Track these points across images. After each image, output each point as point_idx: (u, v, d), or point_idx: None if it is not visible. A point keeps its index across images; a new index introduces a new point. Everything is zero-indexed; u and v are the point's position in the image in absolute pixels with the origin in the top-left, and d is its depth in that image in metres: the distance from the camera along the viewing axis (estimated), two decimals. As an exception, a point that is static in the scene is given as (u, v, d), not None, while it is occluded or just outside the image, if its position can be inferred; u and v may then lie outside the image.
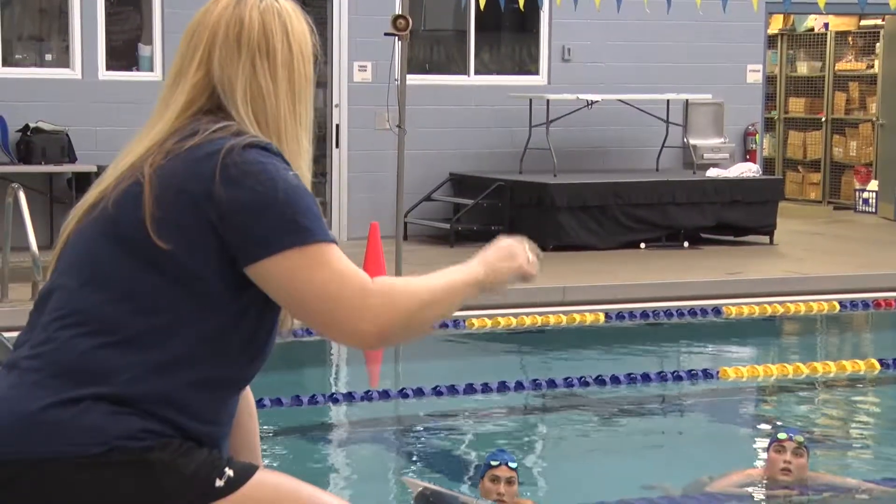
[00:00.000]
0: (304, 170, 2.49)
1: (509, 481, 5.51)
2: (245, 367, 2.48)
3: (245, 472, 2.40)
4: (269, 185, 2.36)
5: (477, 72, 14.51)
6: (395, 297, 2.39)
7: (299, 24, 2.51)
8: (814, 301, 10.71)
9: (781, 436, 6.16)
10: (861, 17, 17.95)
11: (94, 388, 2.34)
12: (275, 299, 2.40)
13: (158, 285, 2.37)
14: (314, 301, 2.36)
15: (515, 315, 10.01)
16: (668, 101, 14.33)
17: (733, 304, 10.54)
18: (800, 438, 6.15)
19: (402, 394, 7.88)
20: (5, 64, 12.89)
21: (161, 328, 2.37)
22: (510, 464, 5.53)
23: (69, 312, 2.40)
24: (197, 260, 2.37)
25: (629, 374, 8.27)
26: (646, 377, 8.28)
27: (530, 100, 13.99)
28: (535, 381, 8.17)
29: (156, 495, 2.34)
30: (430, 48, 14.75)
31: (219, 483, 2.36)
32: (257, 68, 2.48)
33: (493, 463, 5.55)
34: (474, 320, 9.86)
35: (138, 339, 2.37)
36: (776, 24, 18.65)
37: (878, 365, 8.78)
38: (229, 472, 2.38)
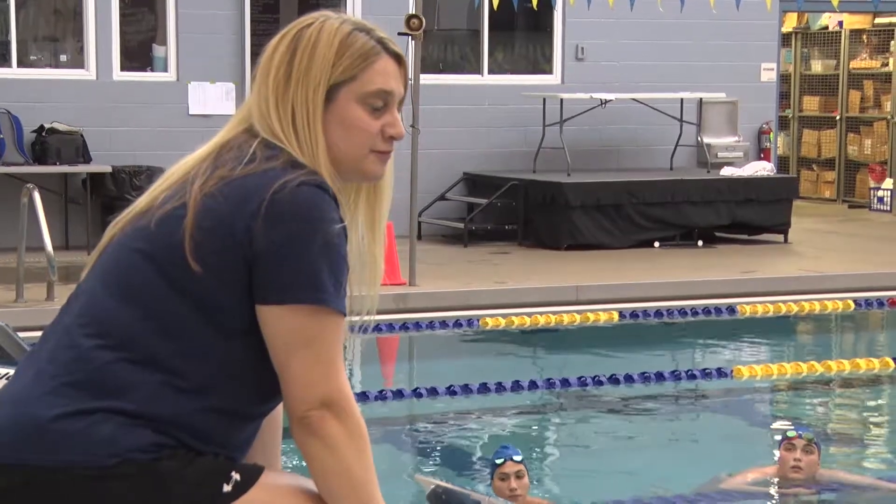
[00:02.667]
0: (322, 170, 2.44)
1: (518, 475, 5.51)
2: (260, 404, 2.48)
3: (252, 475, 2.40)
4: (308, 231, 2.33)
5: (490, 71, 14.52)
6: (351, 428, 2.37)
7: (316, 46, 2.44)
8: (828, 299, 10.69)
9: (791, 434, 6.16)
10: (875, 14, 17.91)
11: (107, 402, 2.34)
12: (265, 338, 2.37)
13: (184, 311, 2.36)
14: (292, 366, 2.35)
15: (529, 314, 10.02)
16: (681, 99, 14.32)
17: (747, 303, 10.53)
18: (809, 436, 6.15)
19: (416, 393, 7.89)
20: (20, 65, 12.93)
21: (181, 353, 2.36)
22: (515, 457, 5.53)
23: (94, 322, 2.40)
24: (225, 291, 2.36)
25: (643, 373, 8.27)
26: (660, 376, 8.28)
27: (544, 99, 13.99)
28: (548, 380, 8.18)
29: None
30: (444, 48, 14.76)
31: (226, 488, 2.36)
32: (259, 87, 2.48)
33: (498, 461, 5.55)
34: (488, 319, 9.87)
35: (157, 360, 2.36)
36: (790, 23, 18.62)
37: (892, 363, 8.76)
38: (236, 476, 2.38)
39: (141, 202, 2.48)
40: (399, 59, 2.52)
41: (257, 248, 2.34)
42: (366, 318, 2.57)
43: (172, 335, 2.36)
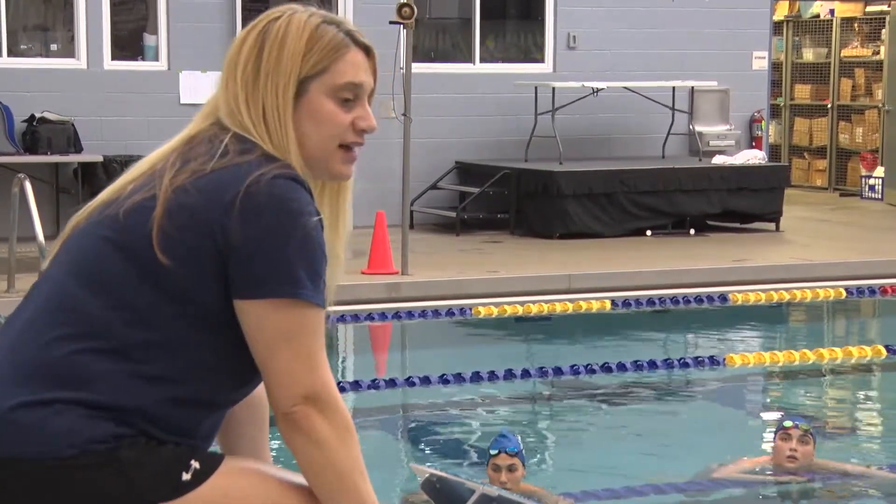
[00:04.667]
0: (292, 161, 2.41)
1: (510, 468, 5.53)
2: (231, 392, 2.47)
3: (212, 463, 2.38)
4: (286, 223, 2.31)
5: (482, 60, 14.50)
6: (336, 422, 2.36)
7: (284, 40, 2.42)
8: (820, 288, 10.70)
9: (787, 423, 6.16)
10: (867, 3, 17.91)
11: (70, 393, 2.32)
12: (245, 333, 2.36)
13: (155, 301, 2.34)
14: (273, 361, 2.34)
15: (522, 303, 10.02)
16: (673, 88, 14.32)
17: (739, 291, 10.54)
18: (805, 426, 6.15)
19: (409, 382, 7.88)
20: (10, 54, 12.89)
21: (150, 343, 2.34)
22: (509, 450, 5.54)
23: (59, 310, 2.37)
24: (197, 283, 2.34)
25: (635, 362, 8.27)
26: (652, 364, 8.29)
27: (536, 87, 13.98)
28: (541, 368, 8.18)
29: (125, 494, 2.32)
30: (436, 36, 14.74)
31: (185, 476, 2.35)
32: (227, 82, 2.46)
33: (493, 452, 5.57)
34: (481, 308, 9.87)
35: (125, 350, 2.34)
36: (782, 11, 18.62)
37: (884, 351, 8.77)
38: (195, 464, 2.37)
39: (105, 194, 2.45)
40: (368, 52, 2.51)
41: (233, 241, 2.32)
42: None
43: (141, 325, 2.34)
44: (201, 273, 2.33)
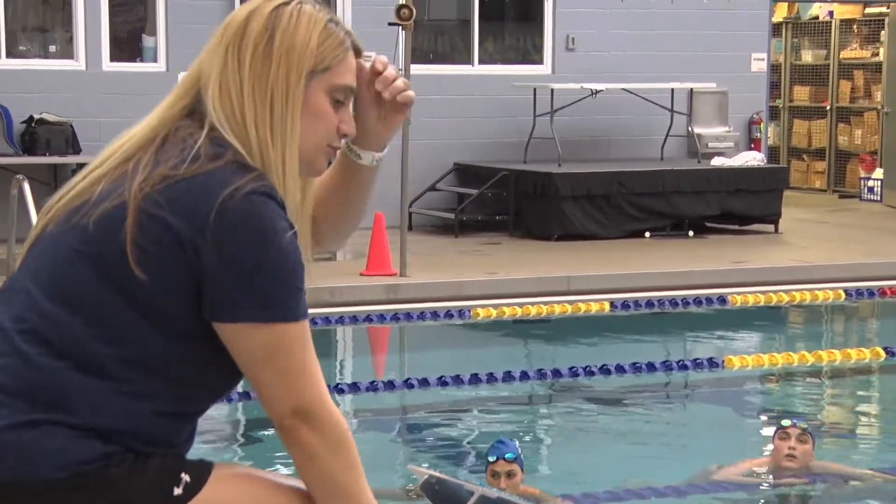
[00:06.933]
0: (290, 189, 2.35)
1: (509, 474, 5.53)
2: (208, 401, 2.45)
3: (202, 474, 2.36)
4: (260, 245, 2.25)
5: (481, 61, 14.50)
6: (328, 434, 2.33)
7: (297, 29, 2.37)
8: (819, 289, 10.70)
9: (785, 423, 6.18)
10: (866, 4, 17.91)
11: (53, 413, 2.27)
12: (230, 351, 2.33)
13: (128, 317, 2.28)
14: (259, 379, 2.32)
15: (521, 305, 10.01)
16: (672, 89, 14.31)
17: (738, 293, 10.53)
18: (804, 425, 6.16)
19: (408, 384, 7.88)
20: (9, 55, 12.89)
21: (127, 360, 2.29)
22: (507, 456, 5.54)
23: (35, 327, 2.30)
24: (170, 298, 2.28)
25: (634, 364, 8.26)
26: (651, 366, 8.28)
27: (534, 89, 13.97)
28: (540, 370, 8.17)
29: None
30: (434, 38, 14.74)
31: (177, 491, 2.32)
32: (228, 63, 2.36)
33: (491, 459, 5.56)
34: (479, 310, 9.87)
35: (103, 367, 2.29)
36: (780, 13, 18.62)
37: (883, 353, 8.77)
38: (186, 477, 2.33)
39: (75, 185, 2.37)
40: (358, 53, 2.48)
41: (206, 261, 2.26)
42: None
43: (117, 342, 2.29)
44: (175, 288, 2.28)
